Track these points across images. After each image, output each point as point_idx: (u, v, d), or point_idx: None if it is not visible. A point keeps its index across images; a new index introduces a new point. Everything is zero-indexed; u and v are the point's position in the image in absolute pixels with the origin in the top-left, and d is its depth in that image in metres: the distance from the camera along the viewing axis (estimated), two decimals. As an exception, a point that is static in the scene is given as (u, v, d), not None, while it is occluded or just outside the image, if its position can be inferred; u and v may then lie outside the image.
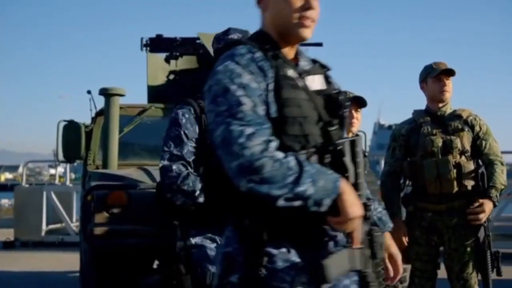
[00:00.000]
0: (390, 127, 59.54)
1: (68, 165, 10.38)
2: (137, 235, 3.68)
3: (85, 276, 4.09)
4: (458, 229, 3.46)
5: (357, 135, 3.51)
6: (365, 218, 1.65)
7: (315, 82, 1.74)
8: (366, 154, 3.81)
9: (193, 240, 2.68)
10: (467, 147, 3.49)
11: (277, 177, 1.49)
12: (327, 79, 1.81)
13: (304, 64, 1.75)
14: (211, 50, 5.06)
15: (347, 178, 1.61)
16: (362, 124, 3.48)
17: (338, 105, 1.72)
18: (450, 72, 3.57)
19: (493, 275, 3.43)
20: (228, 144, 1.51)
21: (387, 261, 1.99)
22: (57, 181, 12.70)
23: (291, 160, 1.52)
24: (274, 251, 1.61)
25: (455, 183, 3.42)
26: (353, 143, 1.66)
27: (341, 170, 1.61)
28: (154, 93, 5.31)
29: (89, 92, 4.92)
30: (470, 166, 3.46)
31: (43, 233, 9.56)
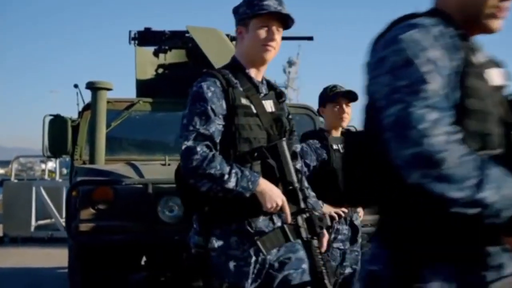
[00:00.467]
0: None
1: (58, 160, 10.28)
2: (123, 232, 3.62)
3: (72, 272, 4.03)
4: None
5: (348, 129, 3.48)
6: None
7: (496, 76, 1.49)
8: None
9: (216, 243, 2.29)
10: None
11: (458, 177, 1.24)
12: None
13: (480, 56, 1.49)
14: (200, 44, 5.04)
15: None
16: (354, 119, 3.44)
17: None
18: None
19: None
20: (403, 127, 1.26)
21: None
22: (46, 176, 12.60)
23: (475, 159, 1.27)
24: (431, 276, 1.36)
25: None
26: None
27: None
28: (143, 87, 5.26)
29: (76, 86, 4.84)
30: None
31: (32, 229, 9.48)
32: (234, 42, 5.34)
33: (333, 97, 3.33)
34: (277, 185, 2.27)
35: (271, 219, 2.32)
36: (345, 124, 3.34)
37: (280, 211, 2.27)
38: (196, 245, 2.33)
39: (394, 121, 1.29)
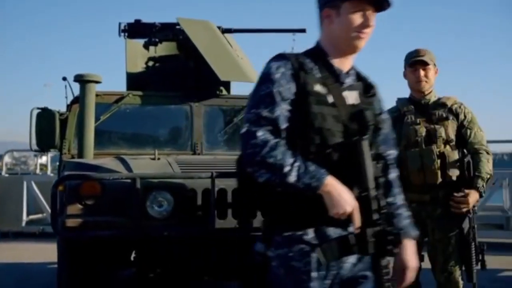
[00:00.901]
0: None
1: (49, 155, 10.22)
2: (111, 227, 3.55)
3: (59, 268, 3.97)
4: (442, 220, 3.40)
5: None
6: None
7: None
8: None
9: (276, 252, 1.98)
10: (452, 136, 3.42)
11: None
12: None
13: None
14: (191, 36, 4.98)
15: None
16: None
17: None
18: (422, 62, 3.47)
19: (477, 268, 3.36)
20: None
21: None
22: (38, 171, 12.54)
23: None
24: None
25: (439, 173, 3.35)
26: None
27: None
28: (134, 80, 5.21)
29: (64, 78, 4.77)
30: (455, 155, 3.39)
31: (23, 224, 9.44)
32: (226, 35, 5.27)
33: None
34: (350, 189, 1.92)
35: (342, 225, 1.97)
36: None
37: (349, 220, 1.92)
38: (257, 253, 2.04)
39: None
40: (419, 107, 3.51)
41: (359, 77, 2.15)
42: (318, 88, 2.00)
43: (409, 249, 2.12)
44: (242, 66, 5.04)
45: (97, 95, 4.47)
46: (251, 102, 2.01)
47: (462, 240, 3.36)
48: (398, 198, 2.19)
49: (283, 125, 1.95)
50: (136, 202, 3.51)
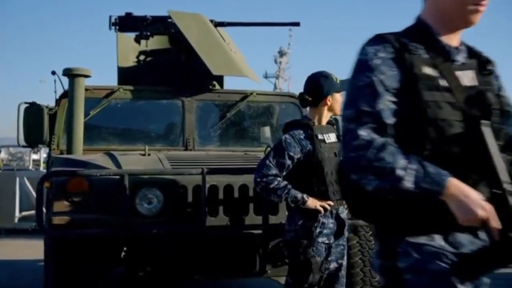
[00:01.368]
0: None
1: (42, 150, 10.13)
2: (99, 225, 3.47)
3: (46, 266, 3.89)
4: None
5: (335, 118, 3.17)
6: None
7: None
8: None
9: (407, 260, 1.65)
10: None
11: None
12: None
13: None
14: (182, 29, 4.89)
15: None
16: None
17: None
18: None
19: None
20: None
21: None
22: (31, 166, 12.46)
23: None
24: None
25: None
26: None
27: None
28: (125, 74, 5.14)
29: (53, 73, 4.67)
30: None
31: (16, 220, 9.36)
32: (218, 29, 5.18)
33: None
34: (476, 188, 1.60)
35: (472, 231, 1.66)
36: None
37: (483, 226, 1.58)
38: (384, 269, 1.71)
39: None
40: None
41: (471, 53, 1.84)
42: (428, 70, 1.70)
43: None
44: (235, 60, 4.95)
45: (86, 90, 4.39)
46: (348, 97, 1.72)
47: None
48: None
49: (389, 120, 1.66)
50: (125, 199, 3.43)
